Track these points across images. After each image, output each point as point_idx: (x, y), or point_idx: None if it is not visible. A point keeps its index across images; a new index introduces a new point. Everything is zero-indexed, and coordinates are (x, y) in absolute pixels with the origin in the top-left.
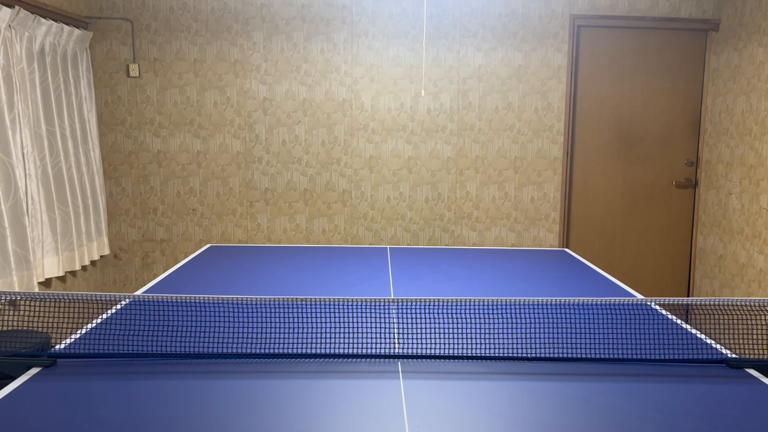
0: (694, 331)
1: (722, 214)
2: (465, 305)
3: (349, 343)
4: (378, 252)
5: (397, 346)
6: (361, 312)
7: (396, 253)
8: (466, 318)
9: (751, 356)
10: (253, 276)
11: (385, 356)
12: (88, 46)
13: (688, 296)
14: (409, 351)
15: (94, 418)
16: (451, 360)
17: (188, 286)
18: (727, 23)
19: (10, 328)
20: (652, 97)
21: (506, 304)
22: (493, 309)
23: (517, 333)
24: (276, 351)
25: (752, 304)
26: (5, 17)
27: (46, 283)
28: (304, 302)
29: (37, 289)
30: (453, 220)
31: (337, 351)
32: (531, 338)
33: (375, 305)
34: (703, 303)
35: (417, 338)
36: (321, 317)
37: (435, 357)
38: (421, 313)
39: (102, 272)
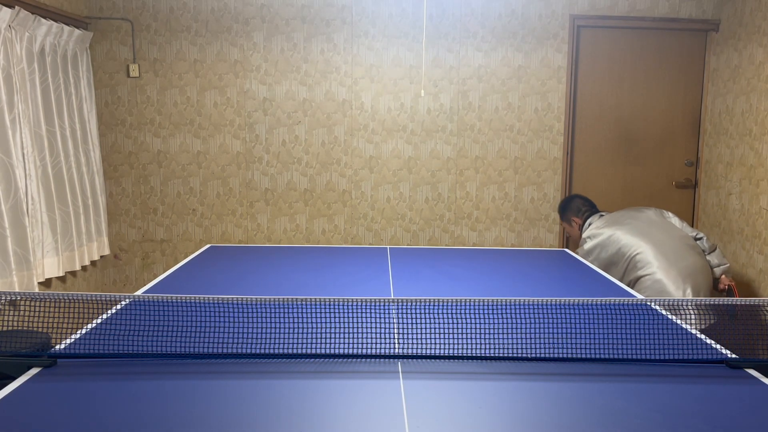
0: (694, 331)
1: (722, 214)
2: (465, 305)
3: (349, 343)
4: (378, 252)
5: (397, 346)
6: (361, 312)
7: (396, 253)
8: (466, 318)
9: (751, 356)
10: (253, 276)
11: (385, 356)
12: (88, 46)
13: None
14: (409, 351)
15: (94, 418)
16: (451, 360)
17: (188, 286)
18: (727, 23)
19: (10, 328)
20: (652, 97)
21: (506, 304)
22: (493, 309)
23: (517, 333)
24: (276, 351)
25: (752, 304)
26: (5, 17)
27: (46, 283)
28: (304, 302)
29: (37, 289)
30: (453, 221)
31: (337, 351)
32: (531, 338)
33: (375, 305)
34: (703, 303)
35: (417, 338)
36: (321, 317)
37: (435, 357)
38: (421, 313)
39: (102, 272)
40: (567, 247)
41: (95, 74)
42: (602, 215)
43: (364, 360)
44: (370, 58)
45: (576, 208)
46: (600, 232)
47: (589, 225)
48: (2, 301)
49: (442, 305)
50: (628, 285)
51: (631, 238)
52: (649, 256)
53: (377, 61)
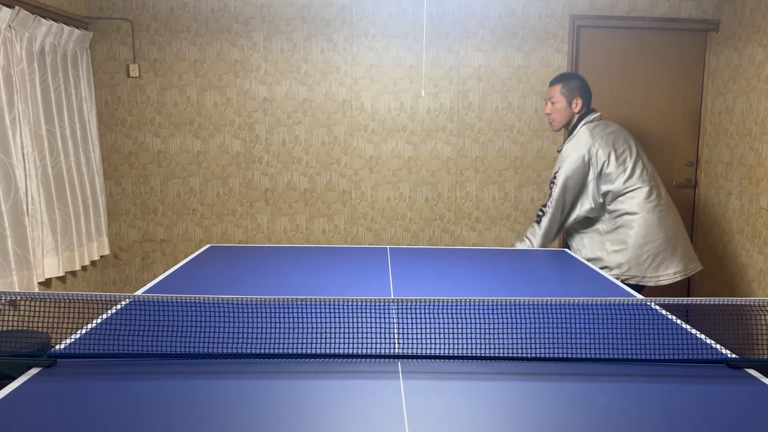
0: (694, 331)
1: (722, 214)
2: (465, 305)
3: (349, 343)
4: (378, 252)
5: (397, 346)
6: (361, 312)
7: (396, 253)
8: (466, 318)
9: (751, 356)
10: (253, 276)
11: (385, 356)
12: (88, 46)
13: (688, 296)
14: (409, 351)
15: (94, 418)
16: (451, 360)
17: (188, 286)
18: (727, 23)
19: (10, 328)
20: (652, 97)
21: (506, 304)
22: (493, 309)
23: (517, 333)
24: (276, 351)
25: (752, 304)
26: (5, 17)
27: (46, 283)
28: (304, 302)
29: (37, 289)
30: (453, 221)
31: (337, 351)
32: (531, 338)
33: (375, 305)
34: (703, 303)
35: (417, 338)
36: (321, 317)
37: (435, 357)
38: (421, 313)
39: (102, 272)
40: (567, 247)
41: (95, 74)
42: (601, 119)
43: (364, 360)
44: (370, 58)
45: (586, 91)
46: (618, 142)
47: (594, 121)
48: (2, 301)
49: (442, 305)
50: (610, 210)
51: (643, 167)
52: (653, 195)
53: (377, 61)
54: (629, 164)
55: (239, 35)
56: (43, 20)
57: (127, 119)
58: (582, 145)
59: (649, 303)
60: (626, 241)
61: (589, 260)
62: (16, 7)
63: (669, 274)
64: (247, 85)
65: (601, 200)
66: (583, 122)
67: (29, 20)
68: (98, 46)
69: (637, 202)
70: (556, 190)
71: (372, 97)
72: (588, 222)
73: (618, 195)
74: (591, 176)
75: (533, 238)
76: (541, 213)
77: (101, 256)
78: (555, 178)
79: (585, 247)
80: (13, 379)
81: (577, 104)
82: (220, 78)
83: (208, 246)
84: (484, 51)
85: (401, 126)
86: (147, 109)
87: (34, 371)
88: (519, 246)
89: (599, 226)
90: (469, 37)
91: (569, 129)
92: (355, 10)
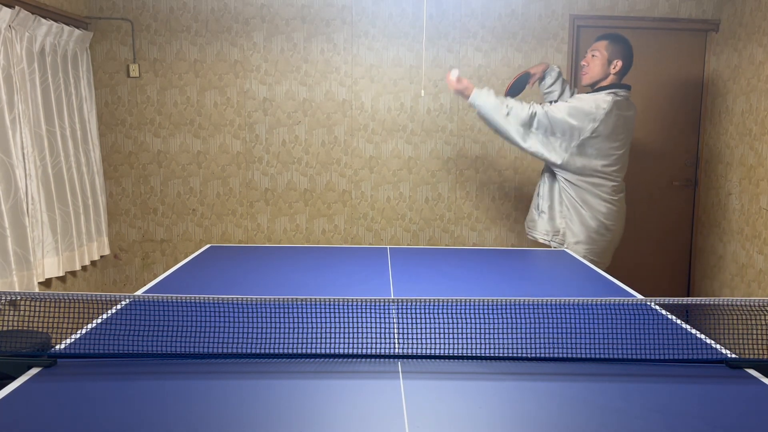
0: (694, 331)
1: (722, 214)
2: (465, 305)
3: (349, 343)
4: (378, 252)
5: (397, 346)
6: (361, 312)
7: (396, 253)
8: (466, 318)
9: (751, 356)
10: (253, 276)
11: (385, 356)
12: (88, 46)
13: (687, 296)
14: (409, 351)
15: (94, 418)
16: (451, 360)
17: (188, 286)
18: (727, 24)
19: (10, 328)
20: (652, 97)
21: (506, 304)
22: (493, 309)
23: (517, 333)
24: (276, 351)
25: (752, 304)
26: (5, 17)
27: (46, 283)
28: (304, 302)
29: (37, 289)
30: (453, 220)
31: (337, 351)
32: (531, 338)
33: (375, 305)
34: (703, 303)
35: (417, 338)
36: (321, 317)
37: (435, 357)
38: (421, 313)
39: (102, 272)
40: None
41: (95, 74)
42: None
43: (364, 360)
44: (370, 58)
45: (628, 57)
46: (622, 129)
47: (622, 97)
48: (2, 301)
49: (442, 305)
50: (578, 184)
51: (624, 164)
52: (619, 192)
53: (377, 61)
54: (617, 153)
55: (239, 35)
56: (43, 20)
57: (127, 119)
58: (598, 106)
59: (649, 303)
60: (586, 220)
61: (542, 213)
62: (16, 7)
63: (605, 262)
64: (247, 85)
65: (568, 162)
66: (612, 90)
67: (29, 20)
68: (98, 46)
69: (604, 190)
70: (551, 111)
71: (372, 97)
72: (556, 185)
73: (589, 173)
74: (580, 134)
75: (518, 111)
76: (532, 105)
77: (101, 256)
78: (557, 102)
79: (551, 209)
80: (13, 379)
81: (616, 66)
82: (220, 78)
83: (208, 246)
84: (484, 51)
85: (401, 126)
86: (147, 109)
87: (34, 371)
88: (493, 98)
89: (570, 193)
90: (469, 37)
91: (595, 89)
92: (355, 10)
